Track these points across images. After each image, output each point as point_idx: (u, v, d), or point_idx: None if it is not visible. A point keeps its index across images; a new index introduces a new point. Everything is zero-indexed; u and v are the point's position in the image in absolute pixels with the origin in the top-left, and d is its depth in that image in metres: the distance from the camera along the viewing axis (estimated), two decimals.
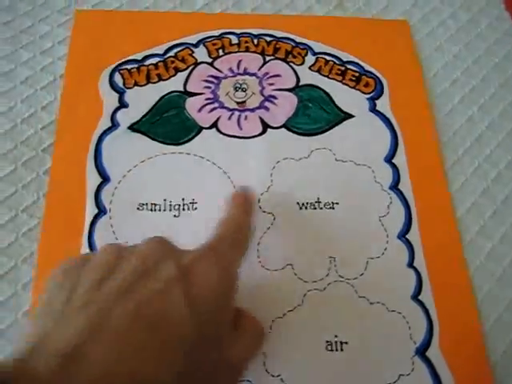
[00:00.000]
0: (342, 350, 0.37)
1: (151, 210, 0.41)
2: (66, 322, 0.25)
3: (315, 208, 0.42)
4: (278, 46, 0.50)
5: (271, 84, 0.47)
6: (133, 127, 0.44)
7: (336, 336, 0.38)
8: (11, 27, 0.49)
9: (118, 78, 0.47)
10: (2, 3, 0.50)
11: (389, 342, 0.38)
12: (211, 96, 0.46)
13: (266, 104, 0.46)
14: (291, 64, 0.49)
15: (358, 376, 0.37)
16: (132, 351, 0.24)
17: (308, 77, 0.48)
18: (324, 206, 0.42)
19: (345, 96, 0.48)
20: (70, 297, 0.26)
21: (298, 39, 0.50)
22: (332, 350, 0.37)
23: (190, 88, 0.47)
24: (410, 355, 0.37)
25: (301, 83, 0.48)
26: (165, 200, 0.41)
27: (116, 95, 0.46)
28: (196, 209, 0.41)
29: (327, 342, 0.37)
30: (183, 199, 0.42)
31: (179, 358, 0.25)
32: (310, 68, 0.49)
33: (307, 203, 0.42)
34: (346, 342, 0.37)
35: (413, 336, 0.38)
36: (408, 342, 0.38)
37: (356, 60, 0.50)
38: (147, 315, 0.25)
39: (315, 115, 0.46)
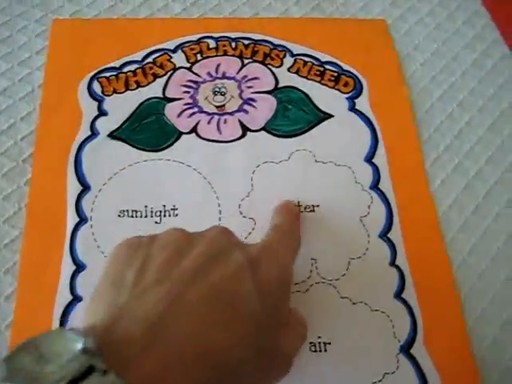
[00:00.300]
0: (325, 350, 0.37)
1: (132, 216, 0.41)
2: (142, 294, 0.26)
3: None
4: (256, 48, 0.50)
5: (250, 87, 0.48)
6: (113, 135, 0.44)
7: (319, 337, 0.38)
8: None
9: (96, 86, 0.47)
10: None
11: (373, 341, 0.38)
12: (190, 101, 0.46)
13: (245, 107, 0.46)
14: (269, 66, 0.49)
15: (343, 376, 0.37)
16: (209, 325, 0.26)
17: (287, 78, 0.48)
18: (304, 209, 0.42)
19: (324, 96, 0.48)
20: (141, 272, 0.28)
21: (276, 41, 0.50)
22: (316, 351, 0.37)
23: (168, 94, 0.47)
24: (394, 353, 0.37)
25: (280, 85, 0.48)
26: (146, 207, 0.41)
27: (95, 103, 0.46)
28: (177, 215, 0.41)
29: (311, 343, 0.37)
30: (164, 206, 0.42)
31: (251, 334, 0.27)
32: (288, 70, 0.49)
33: None
34: (330, 343, 0.37)
35: (397, 334, 0.38)
36: (392, 340, 0.38)
37: (335, 60, 0.50)
38: (221, 294, 0.27)
39: (295, 116, 0.46)
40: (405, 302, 0.39)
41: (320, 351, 0.37)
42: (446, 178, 0.45)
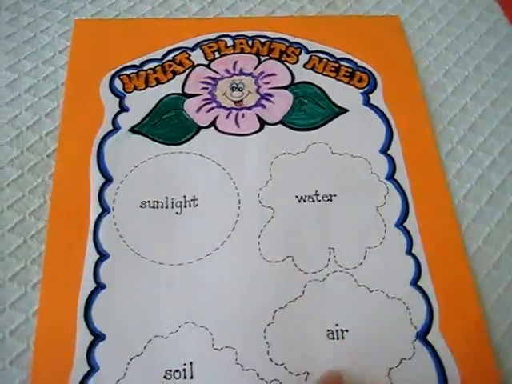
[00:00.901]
0: (343, 337, 0.38)
1: (153, 207, 0.42)
2: None
3: (313, 200, 0.43)
4: (272, 46, 0.51)
5: (267, 83, 0.49)
6: (134, 129, 0.46)
7: (337, 324, 0.38)
8: (14, 39, 0.51)
9: (117, 84, 0.48)
10: (5, 16, 0.52)
11: (389, 327, 0.39)
12: (209, 96, 0.48)
13: (263, 102, 0.48)
14: (286, 63, 0.50)
15: (360, 362, 0.37)
16: None
17: (303, 74, 0.49)
18: (322, 198, 0.43)
19: (339, 91, 0.49)
20: None
21: (292, 39, 0.52)
22: (333, 338, 0.38)
23: (187, 90, 0.48)
24: (411, 340, 0.38)
25: (296, 81, 0.49)
26: (166, 197, 0.43)
27: (116, 100, 0.47)
28: (197, 205, 0.42)
29: (328, 330, 0.38)
30: (184, 196, 0.43)
31: None
32: (304, 66, 0.50)
33: (306, 196, 0.43)
34: (347, 330, 0.38)
35: (413, 321, 0.39)
36: (409, 327, 0.39)
37: (349, 56, 0.51)
38: None
39: (311, 111, 0.47)
40: (421, 290, 0.40)
41: (337, 338, 0.38)
42: (460, 169, 0.46)
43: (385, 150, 0.46)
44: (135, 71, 0.49)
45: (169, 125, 0.46)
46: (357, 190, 0.44)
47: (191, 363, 0.37)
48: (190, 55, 0.50)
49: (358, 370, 0.37)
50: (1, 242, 0.41)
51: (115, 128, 0.46)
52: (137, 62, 0.49)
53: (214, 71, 0.49)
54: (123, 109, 0.47)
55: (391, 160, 0.45)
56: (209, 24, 0.53)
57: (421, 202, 0.43)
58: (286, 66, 0.50)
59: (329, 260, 0.41)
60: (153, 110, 0.47)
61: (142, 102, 0.47)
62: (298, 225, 0.42)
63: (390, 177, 0.44)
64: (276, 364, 0.37)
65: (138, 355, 0.37)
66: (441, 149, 0.47)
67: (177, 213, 0.42)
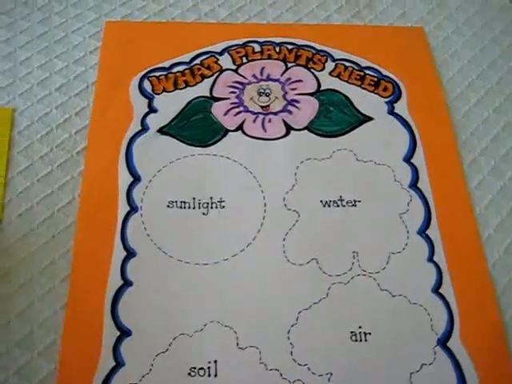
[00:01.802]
0: (366, 340, 0.39)
1: (181, 207, 0.43)
2: None
3: (338, 205, 0.44)
4: (299, 53, 0.52)
5: (293, 89, 0.49)
6: (162, 130, 0.46)
7: (360, 327, 0.39)
8: (46, 38, 0.52)
9: (147, 85, 0.49)
10: (37, 16, 0.53)
11: (411, 332, 0.39)
12: (236, 101, 0.48)
13: (289, 108, 0.48)
14: (312, 70, 0.51)
15: (382, 365, 0.38)
16: None
17: (328, 82, 0.50)
18: (346, 203, 0.44)
19: (364, 100, 0.49)
20: None
21: (318, 47, 0.52)
22: (356, 341, 0.38)
23: (215, 93, 0.49)
24: (431, 346, 0.39)
25: (322, 88, 0.50)
26: (194, 198, 0.43)
27: (145, 101, 0.48)
28: (224, 207, 0.43)
29: (351, 332, 0.39)
30: (211, 198, 0.43)
31: None
32: (330, 73, 0.51)
33: (330, 201, 0.44)
34: (370, 333, 0.39)
35: (434, 327, 0.39)
36: (430, 333, 0.39)
37: (374, 66, 0.52)
38: None
39: (336, 118, 0.48)
40: (442, 297, 0.40)
41: (360, 341, 0.39)
42: (482, 180, 0.46)
43: (408, 159, 0.46)
44: (164, 73, 0.50)
45: (197, 127, 0.47)
46: (380, 196, 0.44)
47: (215, 361, 0.37)
48: (218, 59, 0.51)
49: (380, 373, 0.38)
50: (30, 237, 0.41)
51: (143, 128, 0.46)
52: (166, 64, 0.50)
53: (241, 76, 0.50)
54: (152, 110, 0.47)
55: (414, 169, 0.46)
56: (237, 29, 0.53)
57: (443, 210, 0.44)
58: (312, 73, 0.51)
59: (352, 264, 0.41)
60: (181, 112, 0.47)
61: (170, 104, 0.48)
62: (323, 229, 0.43)
63: (413, 185, 0.45)
64: (299, 364, 0.37)
65: (163, 352, 0.37)
66: (463, 159, 0.47)
67: (203, 213, 0.43)
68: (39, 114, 0.47)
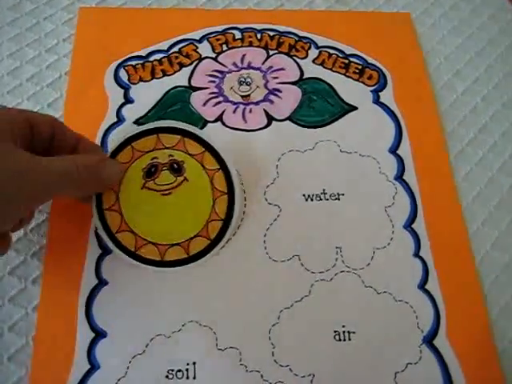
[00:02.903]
0: (349, 339, 0.38)
1: None
2: None
3: (321, 199, 0.42)
4: (281, 40, 0.50)
5: (275, 77, 0.48)
6: (138, 122, 0.45)
7: (343, 326, 0.38)
8: (16, 25, 0.49)
9: (123, 74, 0.47)
10: (7, 2, 0.51)
11: (396, 331, 0.38)
12: (216, 90, 0.47)
13: (271, 97, 0.47)
14: (295, 58, 0.49)
15: (366, 365, 0.37)
16: None
17: (312, 70, 0.49)
18: (330, 196, 0.42)
19: (348, 88, 0.48)
20: None
21: (301, 33, 0.51)
22: (340, 340, 0.38)
23: (194, 83, 0.47)
24: (417, 344, 0.38)
25: (305, 76, 0.48)
26: None
27: (121, 91, 0.46)
28: None
29: (335, 331, 0.38)
30: None
31: None
32: (313, 61, 0.49)
33: (313, 194, 0.42)
34: (354, 332, 0.38)
35: (420, 325, 0.38)
36: (415, 330, 0.38)
37: (359, 53, 0.50)
38: None
39: (319, 107, 0.46)
40: (428, 293, 0.39)
41: (344, 340, 0.38)
42: (469, 171, 0.45)
43: (394, 150, 0.45)
44: (141, 62, 0.48)
45: (174, 118, 0.45)
46: (365, 189, 0.43)
47: (194, 363, 0.36)
48: (197, 47, 0.49)
49: (364, 373, 0.37)
50: None
51: (119, 120, 0.45)
52: (142, 52, 0.48)
53: (221, 64, 0.48)
54: (128, 100, 0.46)
55: (400, 160, 0.44)
56: (217, 15, 0.52)
57: (429, 204, 0.43)
58: (294, 60, 0.49)
59: (336, 260, 0.40)
60: (158, 103, 0.46)
61: (147, 94, 0.46)
62: (305, 224, 0.41)
63: (399, 177, 0.44)
64: (281, 365, 0.36)
65: (139, 354, 0.36)
66: (450, 150, 0.46)
67: None
68: (10, 105, 0.45)
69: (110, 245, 0.38)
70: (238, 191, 0.39)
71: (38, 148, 0.34)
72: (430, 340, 0.38)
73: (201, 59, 0.48)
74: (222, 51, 0.49)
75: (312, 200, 0.42)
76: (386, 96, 0.48)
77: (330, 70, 0.49)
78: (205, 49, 0.49)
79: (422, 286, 0.40)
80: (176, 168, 0.39)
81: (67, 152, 0.37)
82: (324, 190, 0.43)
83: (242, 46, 0.49)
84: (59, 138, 0.36)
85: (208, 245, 0.39)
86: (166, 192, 0.39)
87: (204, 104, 0.46)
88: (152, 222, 0.38)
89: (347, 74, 0.49)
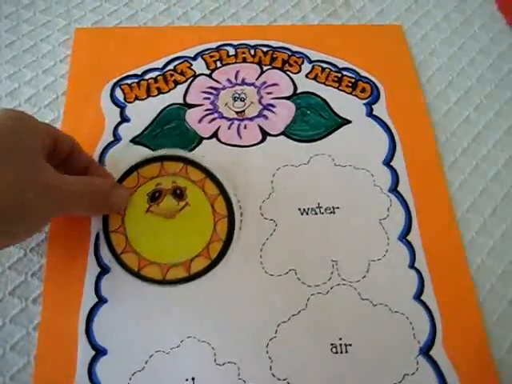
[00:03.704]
0: (346, 352, 0.38)
1: None
2: None
3: (316, 213, 0.43)
4: (274, 55, 0.50)
5: (269, 93, 0.48)
6: (135, 140, 0.45)
7: (340, 338, 0.38)
8: (14, 47, 0.50)
9: (118, 93, 0.48)
10: (5, 25, 0.51)
11: (393, 342, 0.38)
12: (211, 107, 0.47)
13: (265, 112, 0.47)
14: (288, 73, 0.50)
15: (364, 377, 0.37)
16: None
17: (305, 84, 0.49)
18: (325, 210, 0.43)
19: (342, 102, 0.48)
20: None
21: (294, 48, 0.51)
22: (337, 353, 0.38)
23: (189, 100, 0.48)
24: (414, 355, 0.38)
25: (298, 91, 0.49)
26: None
27: (117, 110, 0.47)
28: None
29: (332, 344, 0.38)
30: None
31: None
32: (306, 76, 0.50)
33: (308, 209, 0.43)
34: (351, 344, 0.38)
35: (416, 336, 0.39)
36: (412, 342, 0.38)
37: (352, 66, 0.50)
38: None
39: (313, 122, 0.47)
40: (424, 304, 0.40)
41: (341, 352, 0.38)
42: (463, 181, 0.45)
43: (388, 162, 0.45)
44: (136, 80, 0.48)
45: (170, 136, 0.45)
46: (360, 202, 0.43)
47: (193, 379, 0.36)
48: (191, 64, 0.49)
49: None
50: (0, 255, 0.40)
51: (116, 139, 0.45)
52: (138, 71, 0.49)
53: (215, 81, 0.49)
54: (124, 119, 0.46)
55: (394, 172, 0.45)
56: (210, 32, 0.52)
57: (424, 214, 0.43)
58: (288, 75, 0.49)
59: (332, 273, 0.40)
60: (154, 121, 0.46)
61: (143, 112, 0.47)
62: (301, 238, 0.42)
63: (393, 189, 0.44)
64: (278, 379, 0.37)
65: (139, 370, 0.37)
66: (444, 160, 0.46)
67: None
68: None
69: (115, 265, 0.40)
70: (238, 215, 0.41)
71: (53, 163, 0.35)
72: (426, 351, 0.38)
73: (195, 76, 0.49)
74: (216, 68, 0.50)
75: (307, 214, 0.43)
76: (379, 109, 0.48)
77: (323, 84, 0.49)
78: (199, 66, 0.50)
79: (418, 297, 0.40)
80: (179, 193, 0.41)
81: (77, 172, 0.38)
82: (319, 203, 0.43)
83: (235, 63, 0.50)
84: (75, 157, 0.39)
85: (209, 264, 0.40)
86: (169, 216, 0.41)
87: (199, 121, 0.46)
88: (156, 244, 0.41)
89: (340, 88, 0.49)
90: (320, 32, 0.53)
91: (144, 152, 0.44)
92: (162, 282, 0.39)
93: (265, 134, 0.46)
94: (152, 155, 0.43)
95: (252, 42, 0.51)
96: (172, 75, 0.49)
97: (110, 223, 0.41)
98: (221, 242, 0.41)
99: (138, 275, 0.39)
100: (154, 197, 0.41)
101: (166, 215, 0.41)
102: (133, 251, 0.40)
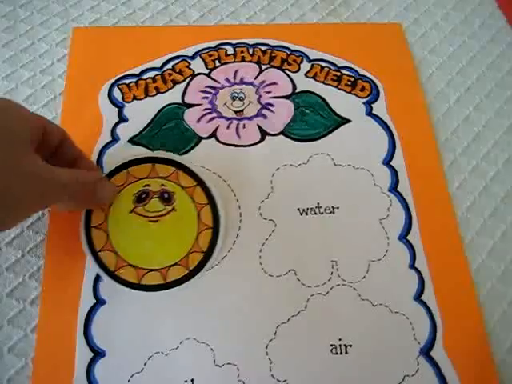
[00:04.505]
0: (346, 352, 0.38)
1: None
2: None
3: (316, 213, 0.42)
4: (273, 54, 0.50)
5: (268, 92, 0.48)
6: (133, 140, 0.45)
7: (340, 339, 0.38)
8: (11, 47, 0.50)
9: (117, 93, 0.47)
10: (2, 24, 0.51)
11: (393, 343, 0.38)
12: (209, 106, 0.47)
13: (264, 112, 0.47)
14: (287, 71, 0.49)
15: (364, 378, 0.37)
16: None
17: (304, 83, 0.49)
18: (324, 210, 0.43)
19: (341, 101, 0.48)
20: None
21: (293, 47, 0.51)
22: (337, 353, 0.38)
23: (187, 99, 0.47)
24: (414, 355, 0.38)
25: (297, 90, 0.48)
26: None
27: (115, 110, 0.46)
28: None
29: (332, 345, 0.38)
30: None
31: None
32: (305, 75, 0.49)
33: (308, 209, 0.43)
34: (351, 345, 0.38)
35: (417, 336, 0.38)
36: (412, 342, 0.38)
37: (351, 65, 0.50)
38: None
39: (312, 121, 0.47)
40: (424, 305, 0.40)
41: (341, 353, 0.38)
42: (463, 181, 0.45)
43: (387, 162, 0.45)
44: (134, 80, 0.48)
45: (169, 135, 0.45)
46: (359, 202, 0.43)
47: (192, 380, 0.36)
48: (189, 64, 0.49)
49: None
50: None
51: (114, 139, 0.45)
52: (136, 70, 0.49)
53: (214, 80, 0.49)
54: (122, 119, 0.46)
55: (394, 172, 0.45)
56: (209, 31, 0.52)
57: (424, 214, 0.43)
58: (287, 74, 0.49)
59: (332, 273, 0.40)
60: (152, 121, 0.46)
61: (141, 112, 0.46)
62: (300, 238, 0.42)
63: (393, 189, 0.44)
64: (278, 380, 0.37)
65: (138, 372, 0.36)
66: (444, 160, 0.46)
67: None
68: None
69: (92, 261, 0.39)
70: (223, 227, 0.41)
71: (42, 154, 0.35)
72: (427, 351, 0.38)
73: (194, 75, 0.49)
74: (215, 67, 0.49)
75: (307, 214, 0.42)
76: (379, 107, 0.48)
77: (323, 82, 0.49)
78: (198, 65, 0.49)
79: (418, 297, 0.40)
80: (166, 197, 0.41)
81: (66, 165, 0.37)
82: (319, 203, 0.43)
83: (234, 62, 0.50)
84: (64, 150, 0.38)
85: (186, 274, 0.39)
86: (154, 219, 0.41)
87: (198, 120, 0.46)
88: (135, 246, 0.40)
89: (339, 87, 0.49)
90: (319, 31, 0.53)
91: (139, 152, 0.44)
92: (137, 287, 0.39)
93: (264, 134, 0.46)
94: (143, 155, 0.42)
95: (251, 41, 0.51)
96: (170, 75, 0.48)
97: (93, 218, 0.40)
98: (201, 253, 0.40)
99: (112, 276, 0.39)
100: (141, 198, 0.41)
101: (149, 218, 0.41)
102: (112, 250, 0.40)
